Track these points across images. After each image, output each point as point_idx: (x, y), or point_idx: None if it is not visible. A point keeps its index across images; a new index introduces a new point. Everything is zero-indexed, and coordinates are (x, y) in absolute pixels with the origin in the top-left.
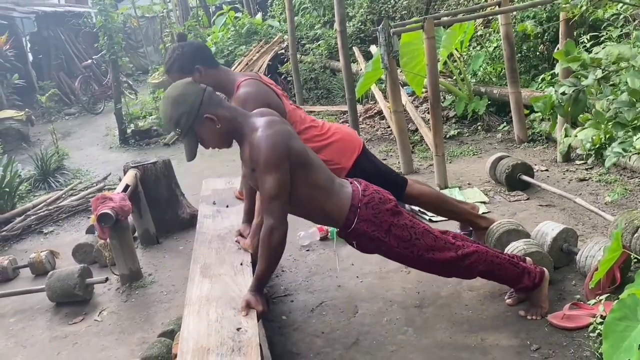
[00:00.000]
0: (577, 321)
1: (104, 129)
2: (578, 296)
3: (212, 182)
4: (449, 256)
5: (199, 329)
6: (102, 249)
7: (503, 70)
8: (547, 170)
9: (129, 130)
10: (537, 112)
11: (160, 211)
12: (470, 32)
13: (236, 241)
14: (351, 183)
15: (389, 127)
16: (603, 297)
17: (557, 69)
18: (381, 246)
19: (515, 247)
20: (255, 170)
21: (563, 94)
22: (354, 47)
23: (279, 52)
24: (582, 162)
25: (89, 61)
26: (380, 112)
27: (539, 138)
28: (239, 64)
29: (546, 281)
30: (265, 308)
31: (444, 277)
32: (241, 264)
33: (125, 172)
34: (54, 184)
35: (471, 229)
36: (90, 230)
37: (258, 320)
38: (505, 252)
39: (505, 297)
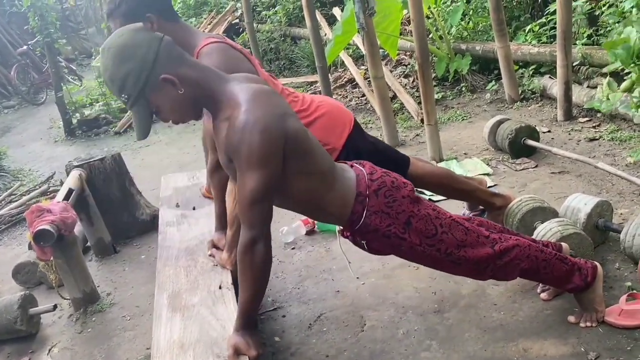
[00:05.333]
0: (639, 317)
1: (48, 121)
2: (629, 283)
3: (173, 179)
4: (484, 253)
5: None
6: (46, 270)
7: (482, 25)
8: (549, 131)
9: (74, 121)
10: (612, 62)
11: (114, 215)
12: None
13: (210, 255)
14: (352, 166)
15: (363, 95)
16: None
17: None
18: (400, 245)
19: (548, 230)
20: (233, 161)
21: None
22: (314, 10)
23: (232, 23)
24: (587, 119)
25: (24, 47)
26: (351, 80)
27: (532, 96)
28: None
29: (600, 279)
30: (260, 351)
31: (476, 279)
32: (220, 288)
33: (67, 174)
34: None
35: (482, 208)
36: (32, 246)
37: None
38: (534, 236)
39: (538, 291)
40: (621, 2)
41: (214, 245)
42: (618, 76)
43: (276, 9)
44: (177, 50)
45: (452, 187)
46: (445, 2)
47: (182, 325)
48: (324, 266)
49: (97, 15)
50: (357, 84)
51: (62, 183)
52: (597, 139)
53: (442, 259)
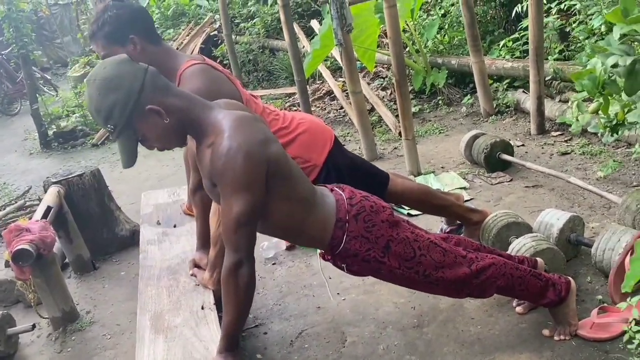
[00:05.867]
0: (610, 330)
1: (22, 132)
2: (599, 297)
3: (154, 195)
4: (462, 273)
5: None
6: (24, 289)
7: (457, 39)
8: (523, 145)
9: (50, 132)
10: (579, 91)
11: (93, 231)
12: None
13: (192, 275)
14: (332, 190)
15: (341, 108)
16: (636, 298)
17: (615, 34)
18: (379, 268)
19: (522, 245)
20: (217, 186)
21: (615, 66)
22: (294, 24)
23: (211, 34)
24: (560, 133)
25: None
26: (329, 93)
27: (507, 110)
28: None
29: (573, 293)
30: None
31: (454, 298)
32: (202, 308)
33: (46, 191)
34: None
35: (459, 223)
36: (9, 264)
37: None
38: (509, 251)
39: (514, 304)
40: (590, 19)
41: (196, 265)
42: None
43: (254, 21)
44: (162, 80)
45: (431, 203)
46: (422, 16)
47: (166, 347)
48: (305, 282)
49: (72, 24)
50: (335, 96)
51: (39, 198)
52: (569, 153)
53: (420, 281)
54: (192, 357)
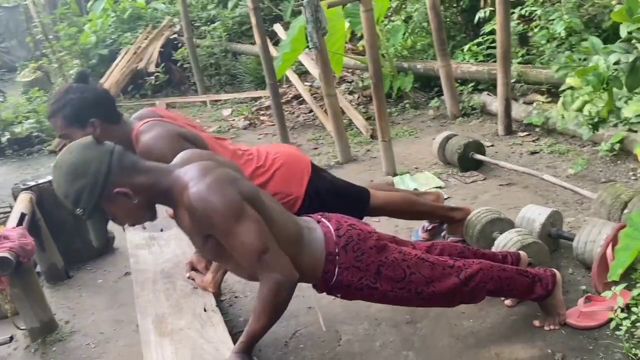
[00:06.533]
0: (597, 318)
1: None
2: (583, 287)
3: None
4: (451, 283)
5: None
6: (0, 300)
7: (420, 44)
8: (492, 145)
9: (3, 139)
10: (584, 86)
11: (66, 239)
12: (386, 5)
13: (189, 278)
14: (318, 222)
15: (310, 111)
16: (619, 287)
17: (622, 33)
18: (373, 294)
19: (508, 240)
20: (212, 235)
21: (617, 63)
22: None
23: (171, 37)
24: (527, 134)
25: None
26: (297, 97)
27: (473, 112)
28: (125, 53)
29: (559, 285)
30: None
31: (447, 307)
32: (205, 310)
33: (15, 198)
34: None
35: (439, 221)
36: None
37: None
38: (495, 246)
39: (502, 297)
40: (551, 24)
41: (193, 268)
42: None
43: (215, 24)
44: (128, 158)
45: (413, 210)
46: (384, 22)
47: (173, 350)
48: None
49: (19, 28)
50: (303, 100)
51: (10, 205)
52: (537, 152)
53: (413, 299)
54: (203, 358)
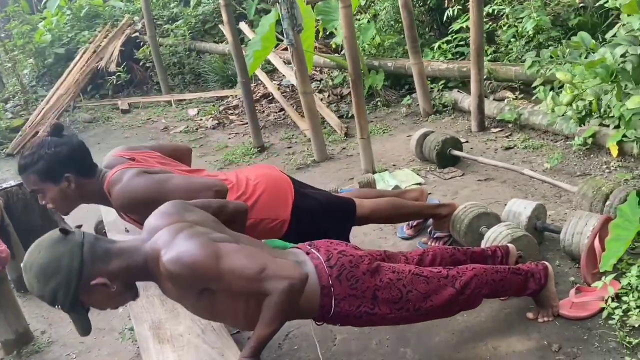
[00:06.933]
0: (589, 308)
1: None
2: (572, 278)
3: None
4: (448, 295)
5: None
6: None
7: (389, 42)
8: (467, 141)
9: None
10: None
11: None
12: (355, 3)
13: None
14: (307, 253)
15: (281, 110)
16: (608, 277)
17: (635, 24)
18: (371, 319)
19: (498, 233)
20: (205, 290)
21: (624, 55)
22: (219, 25)
23: (132, 36)
24: (500, 129)
25: None
26: (266, 95)
27: (444, 109)
28: (84, 51)
29: (551, 277)
30: None
31: (446, 317)
32: None
33: None
34: None
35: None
36: None
37: None
38: (485, 240)
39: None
40: (520, 22)
41: None
42: (520, 89)
43: (178, 23)
44: (99, 246)
45: (399, 214)
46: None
47: (176, 357)
48: None
49: None
50: (272, 98)
51: None
52: (512, 147)
53: (412, 316)
54: None
